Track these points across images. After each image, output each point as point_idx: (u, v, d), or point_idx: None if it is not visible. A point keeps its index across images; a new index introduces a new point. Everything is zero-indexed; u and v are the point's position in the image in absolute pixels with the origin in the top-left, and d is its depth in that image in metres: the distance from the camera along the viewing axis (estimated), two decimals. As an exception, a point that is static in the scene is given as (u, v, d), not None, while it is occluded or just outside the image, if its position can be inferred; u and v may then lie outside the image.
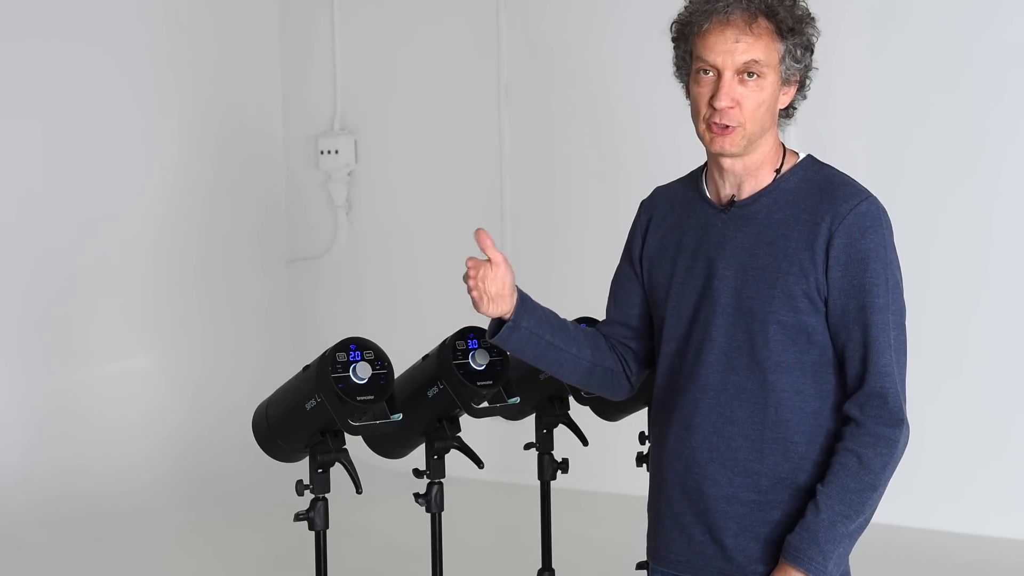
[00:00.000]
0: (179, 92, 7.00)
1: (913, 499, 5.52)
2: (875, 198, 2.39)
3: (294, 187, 7.44)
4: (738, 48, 2.37)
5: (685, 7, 2.44)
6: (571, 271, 6.41)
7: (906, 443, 2.34)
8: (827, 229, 2.35)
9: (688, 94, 2.45)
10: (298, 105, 7.40)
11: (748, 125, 2.39)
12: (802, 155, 2.48)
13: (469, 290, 2.50)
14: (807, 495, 2.37)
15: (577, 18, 6.37)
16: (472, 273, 2.49)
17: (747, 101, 2.38)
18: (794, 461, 2.38)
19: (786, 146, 2.49)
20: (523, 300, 2.55)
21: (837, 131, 5.63)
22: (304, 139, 7.36)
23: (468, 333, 2.99)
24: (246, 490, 6.39)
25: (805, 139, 5.64)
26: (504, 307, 2.51)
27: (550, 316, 2.59)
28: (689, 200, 2.53)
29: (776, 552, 2.38)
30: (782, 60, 2.39)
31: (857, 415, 2.33)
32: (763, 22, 2.37)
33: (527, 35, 6.56)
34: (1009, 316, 5.38)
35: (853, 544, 2.35)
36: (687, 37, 2.43)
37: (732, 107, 2.37)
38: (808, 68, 2.45)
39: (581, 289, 6.25)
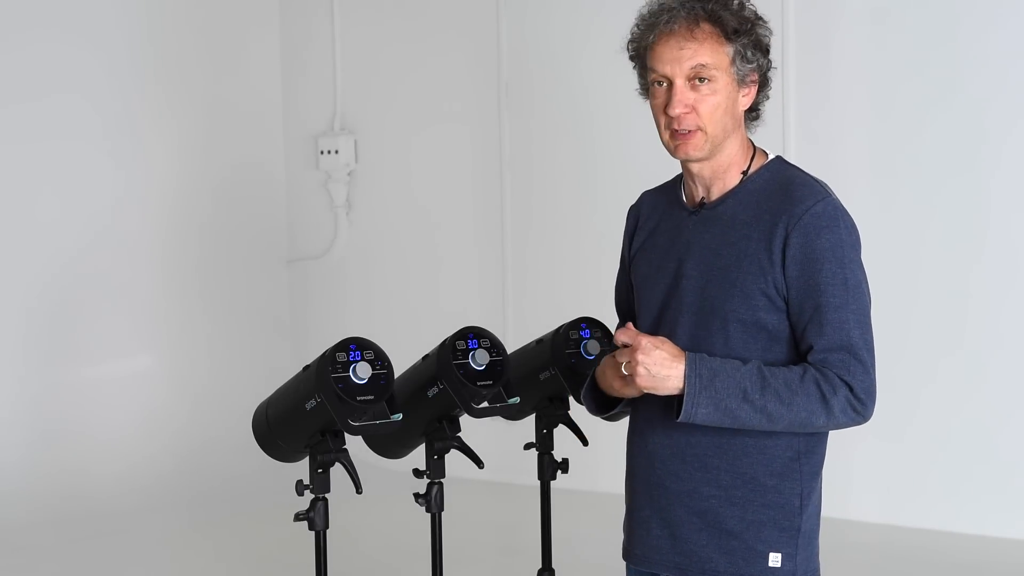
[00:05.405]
0: (179, 92, 7.00)
1: (911, 499, 5.53)
2: (834, 199, 2.42)
3: (294, 187, 7.44)
4: (684, 55, 2.41)
5: (635, 24, 2.49)
6: (571, 271, 6.41)
7: (846, 424, 2.36)
8: (784, 229, 2.39)
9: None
10: (298, 105, 7.39)
11: (708, 128, 2.43)
12: (771, 156, 2.52)
13: (625, 364, 2.40)
14: (766, 491, 2.42)
15: (577, 18, 6.37)
16: (634, 346, 2.39)
17: (702, 106, 2.42)
18: (752, 455, 2.42)
19: (756, 147, 2.53)
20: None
21: (836, 126, 5.63)
22: (304, 139, 7.36)
23: (468, 333, 2.99)
24: (246, 490, 6.39)
25: (804, 134, 5.66)
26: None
27: None
28: (668, 203, 2.59)
29: (733, 546, 2.41)
30: (732, 62, 2.42)
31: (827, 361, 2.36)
32: (706, 26, 2.41)
33: (527, 36, 6.56)
34: (1005, 314, 5.37)
35: (721, 412, 2.33)
36: (641, 55, 2.48)
37: (687, 112, 2.42)
38: (764, 68, 2.48)
39: (581, 289, 6.26)
